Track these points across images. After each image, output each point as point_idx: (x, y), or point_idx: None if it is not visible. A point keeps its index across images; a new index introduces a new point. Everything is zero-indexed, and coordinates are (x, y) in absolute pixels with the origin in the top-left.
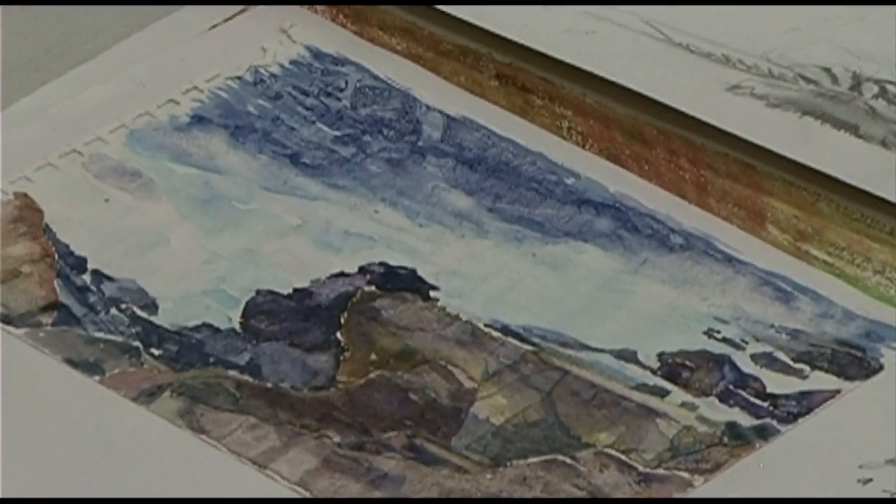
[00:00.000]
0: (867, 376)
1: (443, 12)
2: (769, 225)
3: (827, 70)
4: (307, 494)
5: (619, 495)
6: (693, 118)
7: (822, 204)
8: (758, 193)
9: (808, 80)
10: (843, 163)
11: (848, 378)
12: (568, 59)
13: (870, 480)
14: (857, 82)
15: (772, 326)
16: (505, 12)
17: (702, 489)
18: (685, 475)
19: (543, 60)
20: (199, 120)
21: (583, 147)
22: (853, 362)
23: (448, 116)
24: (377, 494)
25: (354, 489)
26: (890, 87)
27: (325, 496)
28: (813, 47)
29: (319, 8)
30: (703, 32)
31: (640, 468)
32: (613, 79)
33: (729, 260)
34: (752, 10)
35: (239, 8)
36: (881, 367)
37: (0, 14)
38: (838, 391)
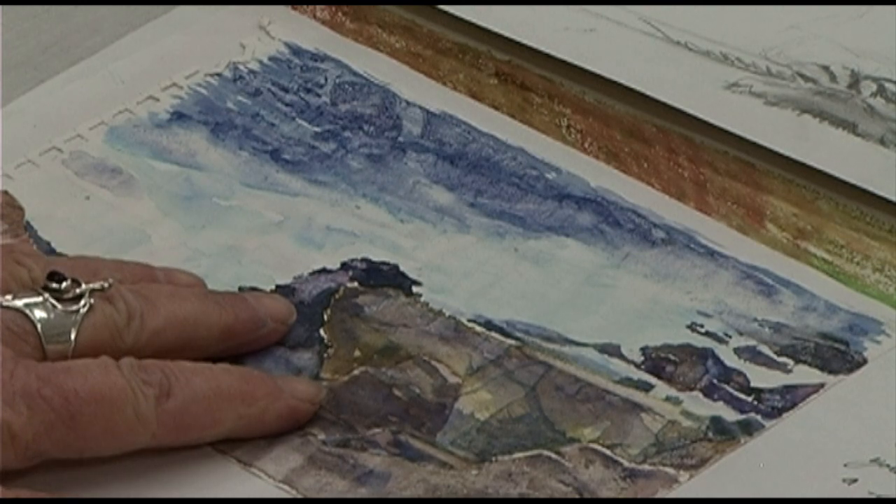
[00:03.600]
0: (851, 370)
1: (442, 10)
2: (768, 223)
3: (825, 68)
4: (292, 492)
5: (605, 491)
6: (692, 116)
7: (821, 202)
8: (757, 191)
9: (807, 78)
10: (841, 161)
11: (832, 372)
12: (567, 58)
13: (855, 480)
14: (855, 80)
15: (755, 320)
16: (504, 10)
17: (687, 485)
18: (670, 471)
19: (542, 58)
20: (178, 117)
21: (582, 145)
22: (836, 356)
23: (428, 112)
24: (363, 491)
25: (340, 486)
26: (888, 85)
27: (310, 494)
28: (811, 45)
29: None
30: (701, 30)
31: (626, 463)
32: (612, 77)
33: (711, 254)
34: (750, 8)
35: None
36: (864, 361)
37: (0, 13)
38: (822, 385)
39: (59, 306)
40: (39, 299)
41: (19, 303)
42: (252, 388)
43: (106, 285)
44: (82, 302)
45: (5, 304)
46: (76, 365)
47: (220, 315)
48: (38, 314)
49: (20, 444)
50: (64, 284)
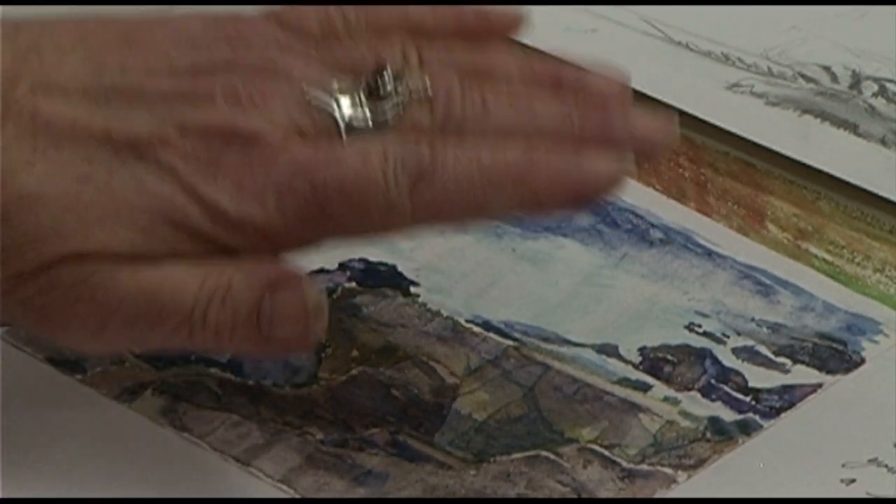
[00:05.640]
0: (848, 370)
1: None
2: (769, 223)
3: (826, 68)
4: (291, 492)
5: (603, 491)
6: (692, 117)
7: (821, 202)
8: (757, 192)
9: (808, 79)
10: (842, 161)
11: (829, 372)
12: (567, 58)
13: (853, 481)
14: (856, 80)
15: (752, 320)
16: None
17: (685, 485)
18: (668, 471)
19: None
20: None
21: None
22: (834, 356)
23: None
24: (361, 491)
25: (338, 486)
26: (889, 86)
27: (308, 494)
28: (812, 45)
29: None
30: (702, 31)
31: (624, 464)
32: None
33: (708, 254)
34: (751, 9)
35: None
36: (863, 361)
37: (0, 13)
38: (820, 385)
39: (368, 112)
40: (349, 96)
41: (327, 103)
42: (530, 168)
43: (426, 88)
44: (395, 104)
45: (312, 98)
46: (339, 151)
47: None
48: (347, 116)
49: (273, 238)
50: (385, 78)
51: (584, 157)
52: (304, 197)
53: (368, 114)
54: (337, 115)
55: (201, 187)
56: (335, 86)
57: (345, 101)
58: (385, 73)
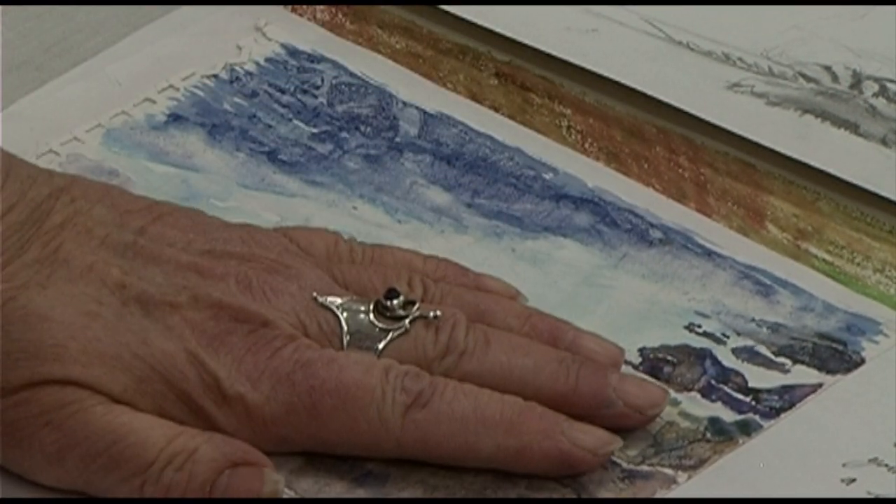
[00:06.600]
0: (848, 370)
1: (442, 11)
2: (769, 223)
3: (827, 68)
4: (290, 493)
5: (604, 492)
6: (693, 116)
7: (821, 202)
8: (757, 192)
9: (809, 79)
10: (843, 161)
11: (829, 372)
12: (568, 58)
13: (853, 480)
14: (857, 80)
15: (752, 320)
16: (504, 10)
17: (685, 486)
18: (669, 472)
19: (543, 59)
20: (175, 118)
21: (582, 146)
22: (834, 356)
23: (425, 112)
24: (361, 492)
25: (338, 487)
26: (890, 86)
27: (309, 495)
28: (813, 45)
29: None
30: (703, 31)
31: (624, 464)
32: (613, 77)
33: (708, 254)
34: (752, 9)
35: None
36: (862, 361)
37: (0, 13)
38: (820, 385)
39: (378, 323)
40: (361, 308)
41: (336, 307)
42: (522, 420)
43: (435, 315)
44: (401, 323)
45: (321, 301)
46: (342, 357)
47: (555, 380)
48: (352, 325)
49: (258, 423)
50: (395, 302)
51: (576, 429)
52: (300, 391)
53: (374, 330)
54: (343, 325)
55: (203, 356)
56: (342, 300)
57: (351, 315)
58: (396, 294)
